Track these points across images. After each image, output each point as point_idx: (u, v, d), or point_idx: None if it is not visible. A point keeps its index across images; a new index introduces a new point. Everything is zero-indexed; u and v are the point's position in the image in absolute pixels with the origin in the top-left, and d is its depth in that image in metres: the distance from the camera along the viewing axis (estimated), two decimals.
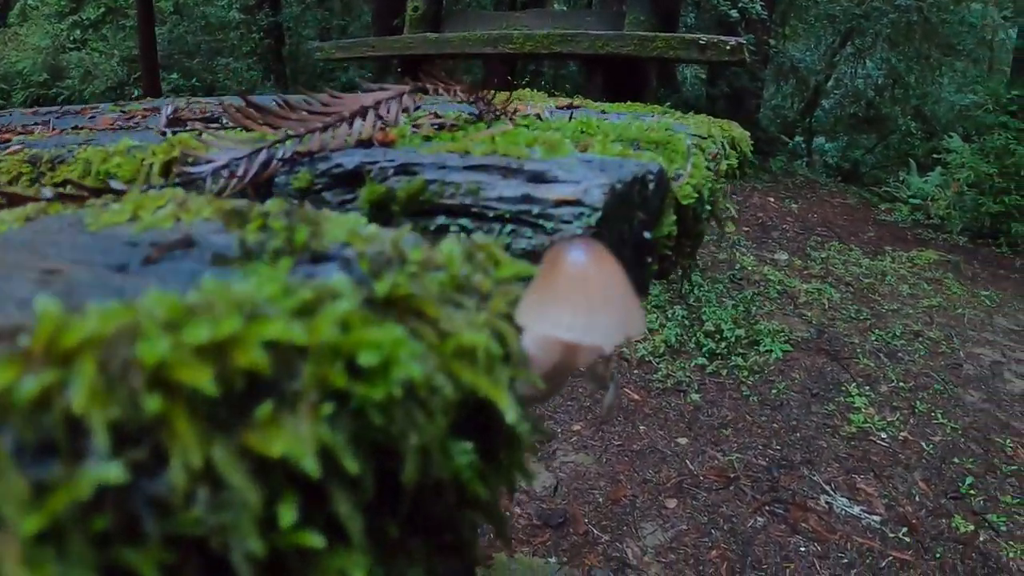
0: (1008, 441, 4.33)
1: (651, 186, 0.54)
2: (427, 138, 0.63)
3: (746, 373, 4.87)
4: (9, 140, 1.25)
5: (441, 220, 0.48)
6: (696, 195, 0.65)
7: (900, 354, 5.33)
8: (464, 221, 0.47)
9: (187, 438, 0.22)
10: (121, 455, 0.22)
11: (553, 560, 3.10)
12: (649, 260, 0.55)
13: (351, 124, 0.54)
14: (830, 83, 13.93)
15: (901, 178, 11.06)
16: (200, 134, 0.65)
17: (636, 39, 4.97)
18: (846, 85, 13.90)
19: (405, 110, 0.61)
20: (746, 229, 8.02)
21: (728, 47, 4.81)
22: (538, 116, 0.82)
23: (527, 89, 1.71)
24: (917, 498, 3.75)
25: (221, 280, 0.26)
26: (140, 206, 0.41)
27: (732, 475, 3.83)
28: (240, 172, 0.48)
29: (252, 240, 0.32)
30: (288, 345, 0.25)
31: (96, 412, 0.22)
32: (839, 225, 8.91)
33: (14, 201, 0.45)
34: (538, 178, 0.47)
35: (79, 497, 0.21)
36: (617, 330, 0.30)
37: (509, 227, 0.46)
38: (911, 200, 9.98)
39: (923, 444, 4.22)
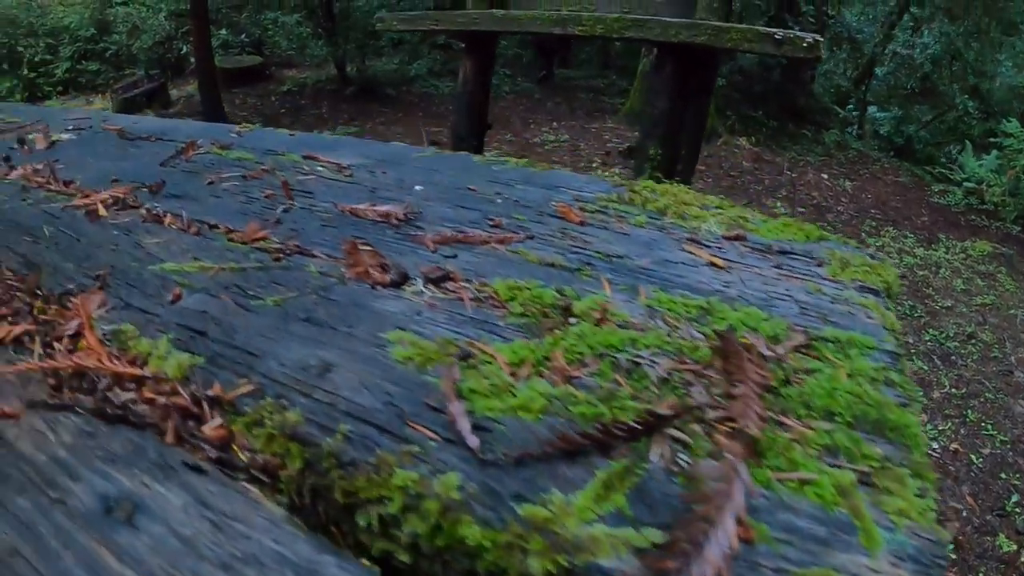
0: None
1: None
2: None
3: None
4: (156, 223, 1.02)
5: None
6: None
7: (953, 357, 5.38)
8: None
9: None
10: None
11: None
12: None
13: None
14: (885, 53, 13.61)
15: (955, 158, 10.90)
16: None
17: (710, 29, 4.92)
18: (901, 56, 13.56)
19: None
20: (801, 211, 8.01)
21: (804, 44, 4.76)
22: None
23: (680, 186, 1.72)
24: (964, 513, 3.86)
25: None
26: None
27: None
28: None
29: None
30: None
31: None
32: (893, 207, 8.85)
33: None
34: None
35: None
36: None
37: None
38: (965, 183, 9.85)
39: (972, 457, 4.30)
